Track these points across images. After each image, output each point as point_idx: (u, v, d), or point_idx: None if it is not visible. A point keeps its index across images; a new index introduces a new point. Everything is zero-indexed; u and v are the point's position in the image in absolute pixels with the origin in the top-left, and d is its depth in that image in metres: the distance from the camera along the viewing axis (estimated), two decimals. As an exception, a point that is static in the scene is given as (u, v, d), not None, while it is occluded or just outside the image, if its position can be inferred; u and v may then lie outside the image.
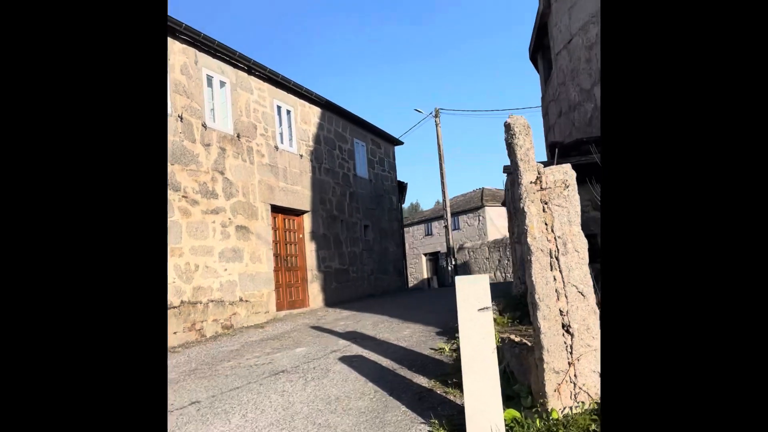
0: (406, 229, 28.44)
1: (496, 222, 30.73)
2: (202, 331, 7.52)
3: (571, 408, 2.77)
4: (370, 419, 3.33)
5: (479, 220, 31.17)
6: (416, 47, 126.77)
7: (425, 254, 33.50)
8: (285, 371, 4.76)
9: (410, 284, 23.62)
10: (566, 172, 2.99)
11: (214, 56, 8.59)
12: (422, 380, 4.10)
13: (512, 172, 3.08)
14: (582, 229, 2.96)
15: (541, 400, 2.85)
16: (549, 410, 2.77)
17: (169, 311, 7.01)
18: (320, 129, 11.72)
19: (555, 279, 2.87)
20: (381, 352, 5.18)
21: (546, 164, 3.49)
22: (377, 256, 13.76)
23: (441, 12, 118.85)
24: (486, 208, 30.76)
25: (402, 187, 16.17)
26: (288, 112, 10.63)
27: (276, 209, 9.90)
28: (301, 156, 10.83)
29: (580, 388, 2.79)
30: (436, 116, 24.38)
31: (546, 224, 2.92)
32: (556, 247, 2.89)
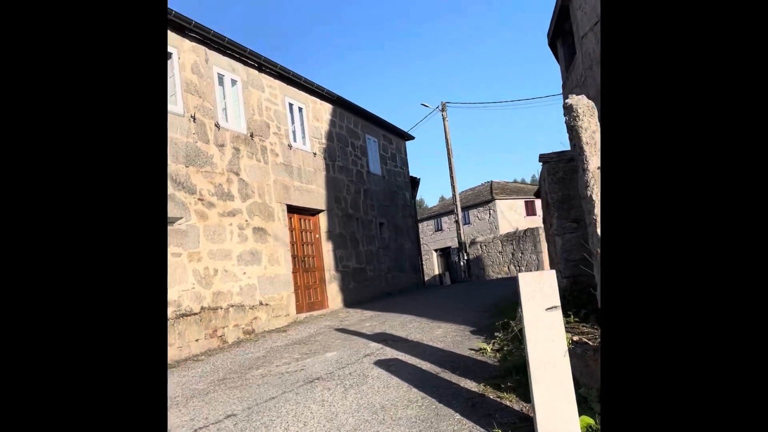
0: (416, 226, 28.18)
1: (507, 215, 30.42)
2: (223, 337, 7.29)
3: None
4: (423, 430, 3.09)
5: (490, 214, 30.87)
6: (421, 43, 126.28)
7: (436, 250, 33.23)
8: (320, 378, 4.52)
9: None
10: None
11: (224, 54, 8.35)
12: (470, 384, 3.85)
13: (575, 157, 2.81)
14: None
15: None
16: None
17: (189, 318, 6.79)
18: (332, 126, 11.47)
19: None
20: (417, 355, 4.93)
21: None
22: (393, 254, 13.52)
23: (448, 9, 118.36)
24: (496, 201, 30.45)
25: (414, 183, 15.91)
26: (300, 109, 10.39)
27: (292, 209, 9.66)
28: (315, 154, 10.58)
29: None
30: (442, 110, 24.07)
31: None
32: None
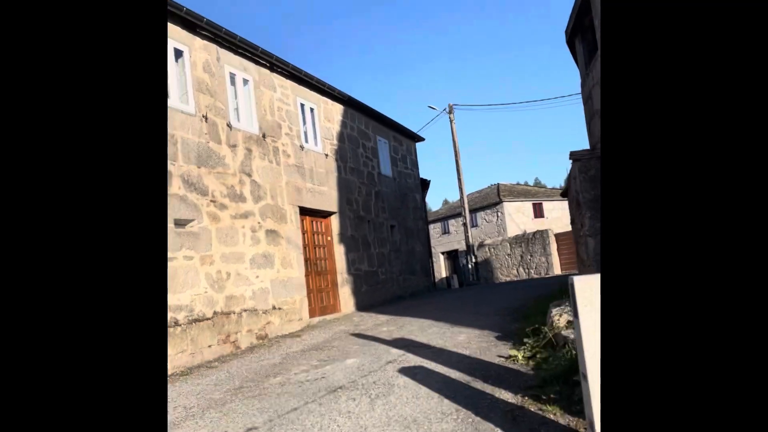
0: (423, 228, 27.95)
1: (515, 217, 30.16)
2: (236, 342, 7.08)
3: None
4: (464, 446, 2.86)
5: (498, 216, 30.61)
6: (429, 44, 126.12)
7: (443, 253, 32.97)
8: (343, 387, 4.30)
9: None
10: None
11: (236, 53, 8.16)
12: (506, 395, 3.62)
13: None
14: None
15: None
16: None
17: (202, 323, 6.58)
18: (343, 127, 11.27)
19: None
20: (443, 362, 4.70)
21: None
22: (404, 257, 13.29)
23: (456, 8, 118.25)
24: (504, 203, 30.20)
25: (425, 184, 15.70)
26: (311, 109, 10.19)
27: (304, 211, 9.46)
28: (327, 155, 10.38)
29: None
30: (450, 112, 23.88)
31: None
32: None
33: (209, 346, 6.61)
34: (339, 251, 10.37)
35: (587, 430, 2.62)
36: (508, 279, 23.20)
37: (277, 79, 9.17)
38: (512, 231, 28.88)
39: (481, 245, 25.24)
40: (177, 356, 6.11)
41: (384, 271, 12.09)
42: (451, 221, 33.60)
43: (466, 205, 23.08)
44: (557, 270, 21.52)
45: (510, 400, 3.50)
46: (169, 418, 4.10)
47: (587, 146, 8.36)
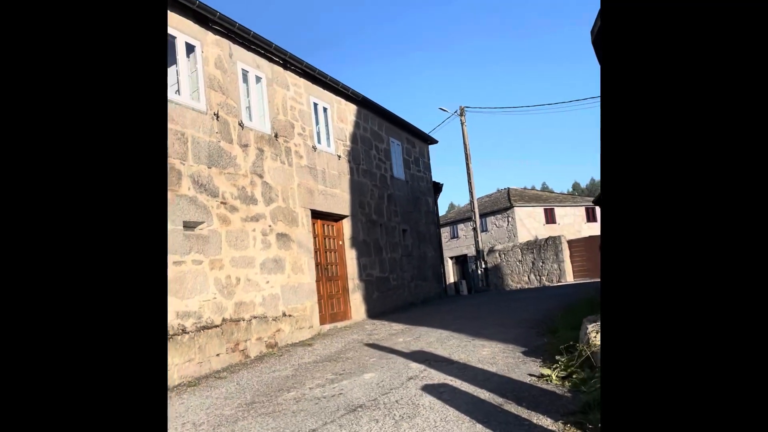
0: (432, 233, 27.59)
1: (526, 223, 29.75)
2: (245, 351, 6.78)
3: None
4: (507, 484, 2.54)
5: (508, 221, 30.21)
6: (438, 41, 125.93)
7: (451, 258, 32.57)
8: (363, 406, 3.98)
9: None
10: None
11: (249, 49, 7.89)
12: (545, 421, 3.29)
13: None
14: None
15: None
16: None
17: (210, 330, 6.28)
18: (356, 127, 10.98)
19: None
20: (469, 380, 4.38)
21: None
22: (416, 262, 12.97)
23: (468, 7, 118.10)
24: (515, 208, 29.80)
25: (437, 188, 15.37)
26: (324, 109, 9.90)
27: (315, 214, 9.16)
28: (339, 157, 10.09)
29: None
30: (461, 114, 23.57)
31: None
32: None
33: (217, 355, 6.31)
34: (350, 256, 10.06)
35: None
36: (518, 286, 22.80)
37: (290, 77, 8.89)
38: (523, 237, 28.48)
39: (491, 251, 24.86)
40: (184, 365, 5.81)
41: (396, 277, 11.77)
42: (460, 225, 33.23)
43: (476, 209, 22.71)
44: (570, 278, 21.12)
45: (550, 427, 3.17)
46: (176, 437, 3.79)
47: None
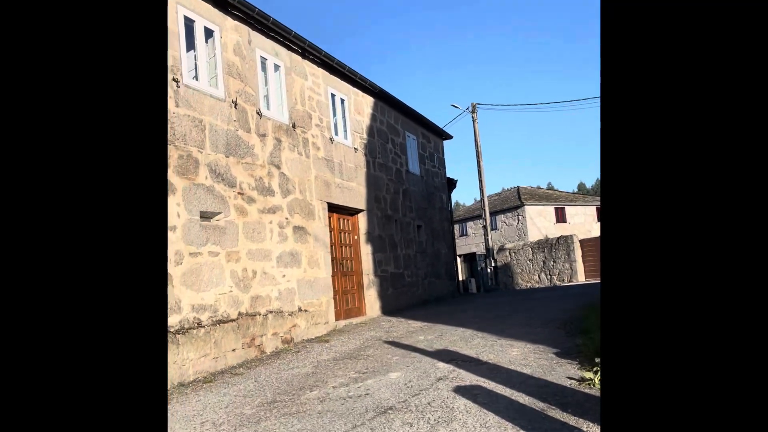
0: (441, 230, 27.35)
1: (536, 221, 29.45)
2: (261, 346, 6.57)
3: None
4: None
5: (518, 220, 29.91)
6: (449, 40, 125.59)
7: (460, 255, 32.29)
8: (393, 408, 3.75)
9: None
10: None
11: (268, 36, 7.66)
12: (597, 431, 3.05)
13: None
14: None
15: None
16: None
17: (226, 325, 6.07)
18: (373, 120, 10.74)
19: None
20: (503, 382, 4.14)
21: None
22: (430, 259, 12.73)
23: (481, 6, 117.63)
24: (526, 206, 29.49)
25: (451, 184, 15.12)
26: (342, 101, 9.67)
27: (332, 208, 8.93)
28: (356, 149, 9.85)
29: None
30: (473, 112, 23.28)
31: None
32: None
33: (233, 350, 6.10)
34: (366, 251, 9.83)
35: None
36: (528, 285, 22.52)
37: (309, 67, 8.65)
38: (533, 235, 28.18)
39: (502, 249, 24.58)
40: (200, 360, 5.60)
41: (410, 274, 11.53)
42: (470, 223, 32.96)
43: (487, 207, 22.43)
44: (581, 277, 20.82)
45: (604, 437, 2.93)
46: (197, 437, 3.58)
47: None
